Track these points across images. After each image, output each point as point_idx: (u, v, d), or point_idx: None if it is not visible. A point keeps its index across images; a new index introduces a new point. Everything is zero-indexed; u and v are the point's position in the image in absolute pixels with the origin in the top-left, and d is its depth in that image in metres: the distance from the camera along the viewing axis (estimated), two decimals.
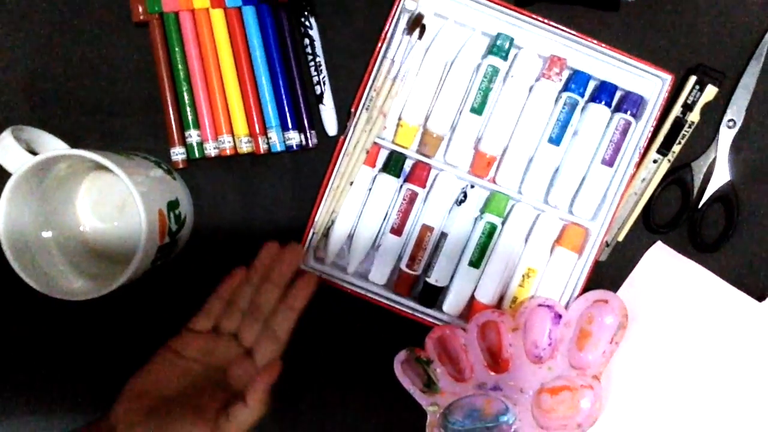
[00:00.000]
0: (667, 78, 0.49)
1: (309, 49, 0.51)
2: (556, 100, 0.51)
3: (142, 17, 0.51)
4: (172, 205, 0.48)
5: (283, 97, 0.51)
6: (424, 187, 0.52)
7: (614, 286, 0.54)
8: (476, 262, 0.52)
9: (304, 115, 0.52)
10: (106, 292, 0.45)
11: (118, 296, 0.51)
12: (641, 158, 0.50)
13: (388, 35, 0.49)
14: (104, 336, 0.54)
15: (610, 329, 0.51)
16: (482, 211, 0.52)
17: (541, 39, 0.50)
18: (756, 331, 0.53)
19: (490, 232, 0.51)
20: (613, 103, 0.51)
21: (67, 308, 0.48)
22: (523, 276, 0.52)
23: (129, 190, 0.44)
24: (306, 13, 0.51)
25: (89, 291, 0.46)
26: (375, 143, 0.51)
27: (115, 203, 0.52)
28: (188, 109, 0.51)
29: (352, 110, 0.50)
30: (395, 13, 0.49)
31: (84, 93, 0.53)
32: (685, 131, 0.51)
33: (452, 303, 0.52)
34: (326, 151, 0.52)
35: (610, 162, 0.50)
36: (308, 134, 0.52)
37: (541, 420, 0.53)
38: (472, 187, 0.52)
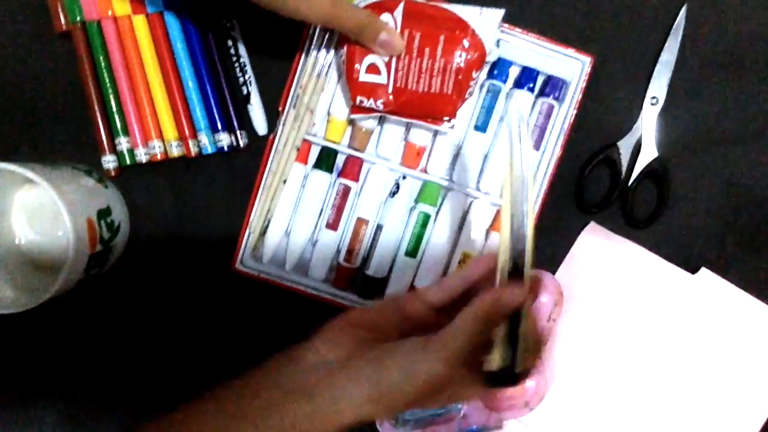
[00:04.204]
0: (587, 60, 0.50)
1: (233, 51, 0.52)
2: (480, 88, 0.51)
3: (64, 27, 0.51)
4: (103, 213, 0.48)
5: (211, 99, 0.51)
6: (357, 180, 0.52)
7: (551, 266, 0.54)
8: (413, 252, 0.52)
9: (233, 116, 0.52)
10: (38, 303, 0.45)
11: (61, 306, 0.51)
12: (566, 140, 0.51)
13: (311, 32, 0.50)
14: (47, 347, 0.55)
15: (547, 307, 0.51)
16: (416, 201, 0.52)
17: None
18: (691, 302, 0.54)
19: (424, 222, 0.52)
20: (536, 88, 0.51)
21: (7, 321, 0.48)
22: (460, 262, 0.52)
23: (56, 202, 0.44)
24: (227, 14, 0.51)
25: (22, 303, 0.46)
26: (305, 140, 0.51)
27: (49, 215, 0.52)
28: (116, 116, 0.51)
29: (280, 109, 0.51)
30: None
31: (10, 105, 0.53)
32: None
33: (393, 293, 0.53)
34: (258, 150, 0.52)
35: (536, 146, 0.51)
36: (238, 135, 0.52)
37: (488, 402, 0.54)
38: (404, 178, 0.52)
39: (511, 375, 0.36)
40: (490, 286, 0.37)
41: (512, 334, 0.36)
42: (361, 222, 0.52)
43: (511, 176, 0.37)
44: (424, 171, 0.52)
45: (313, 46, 0.50)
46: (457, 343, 0.35)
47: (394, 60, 0.47)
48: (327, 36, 0.50)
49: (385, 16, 0.46)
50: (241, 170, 0.53)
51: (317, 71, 0.50)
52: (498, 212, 0.52)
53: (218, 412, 0.36)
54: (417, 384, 0.35)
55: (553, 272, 0.54)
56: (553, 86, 0.51)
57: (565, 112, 0.51)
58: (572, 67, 0.50)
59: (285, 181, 0.52)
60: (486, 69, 0.50)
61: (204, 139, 0.52)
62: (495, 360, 0.36)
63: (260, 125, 0.53)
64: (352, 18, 0.44)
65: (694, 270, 0.54)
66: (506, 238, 0.36)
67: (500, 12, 0.47)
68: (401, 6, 0.46)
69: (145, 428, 0.36)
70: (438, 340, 0.35)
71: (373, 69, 0.47)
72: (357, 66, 0.47)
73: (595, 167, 0.53)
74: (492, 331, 0.36)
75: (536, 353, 0.38)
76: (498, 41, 0.48)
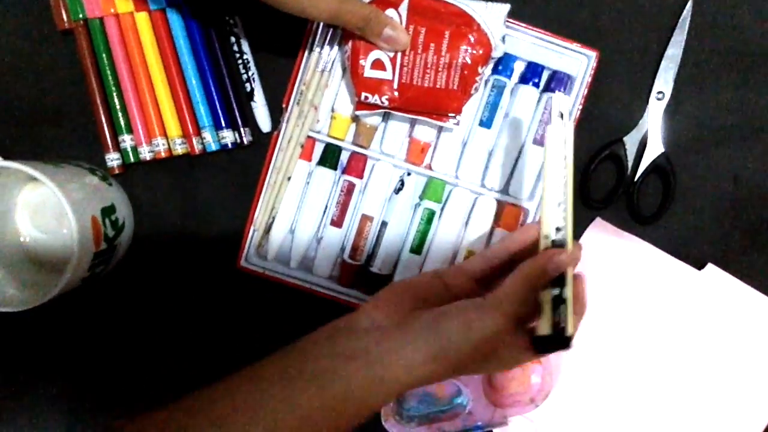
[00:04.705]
0: (592, 55, 0.50)
1: (236, 47, 0.51)
2: (485, 84, 0.51)
3: (66, 25, 0.51)
4: (107, 211, 0.48)
5: (214, 96, 0.51)
6: (361, 177, 0.52)
7: None
8: (417, 249, 0.52)
9: (237, 113, 0.52)
10: (43, 302, 0.45)
11: (66, 304, 0.51)
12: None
13: (314, 28, 0.50)
14: (51, 345, 0.55)
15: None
16: (420, 198, 0.52)
17: None
18: (697, 298, 0.53)
19: (429, 218, 0.52)
20: (542, 83, 0.51)
21: (12, 319, 0.48)
22: (465, 259, 0.52)
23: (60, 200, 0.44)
24: (230, 11, 0.51)
25: (27, 301, 0.46)
26: (309, 137, 0.51)
27: (53, 213, 0.52)
28: (120, 114, 0.51)
29: (284, 105, 0.50)
30: None
31: (13, 103, 0.53)
32: None
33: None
34: (262, 148, 0.52)
35: (541, 141, 0.51)
36: (242, 132, 0.52)
37: (494, 398, 0.54)
38: (409, 174, 0.52)
39: (563, 338, 0.37)
40: (531, 257, 0.39)
41: (558, 299, 0.38)
42: (365, 219, 0.52)
43: (549, 150, 0.39)
44: (429, 167, 0.52)
45: (316, 42, 0.49)
46: (510, 301, 0.37)
47: (399, 55, 0.46)
48: (331, 32, 0.49)
49: (390, 12, 0.45)
50: (245, 167, 0.53)
51: (321, 67, 0.50)
52: (504, 208, 0.52)
53: (281, 376, 0.36)
54: (474, 342, 0.36)
55: None
56: (558, 81, 0.50)
57: (570, 108, 0.50)
58: (578, 62, 0.50)
59: (289, 178, 0.51)
60: (491, 65, 0.50)
61: (208, 136, 0.52)
62: (544, 325, 0.38)
63: (264, 122, 0.53)
64: (357, 13, 0.44)
65: (700, 266, 0.54)
66: (548, 209, 0.39)
67: (506, 7, 0.46)
68: (406, 1, 0.45)
69: (202, 392, 0.36)
70: (493, 299, 0.37)
71: (378, 65, 0.47)
72: (362, 62, 0.47)
73: (600, 163, 0.53)
74: (540, 295, 0.38)
75: (581, 316, 0.39)
76: (504, 37, 0.48)
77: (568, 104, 0.39)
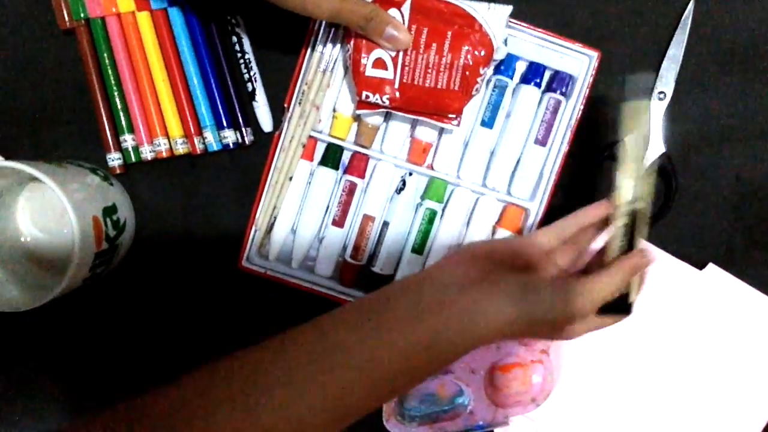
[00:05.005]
0: (594, 55, 0.50)
1: (237, 47, 0.51)
2: (487, 84, 0.51)
3: (68, 24, 0.51)
4: (109, 210, 0.48)
5: (216, 96, 0.51)
6: (363, 177, 0.52)
7: None
8: (419, 249, 0.52)
9: (239, 113, 0.52)
10: (44, 302, 0.45)
11: (67, 304, 0.51)
12: (573, 135, 0.51)
13: (316, 27, 0.50)
14: (53, 346, 0.55)
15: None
16: (422, 198, 0.52)
17: None
18: (698, 298, 0.54)
19: (430, 218, 0.52)
20: (543, 83, 0.51)
21: (14, 319, 0.48)
22: None
23: (61, 200, 0.44)
24: (232, 10, 0.51)
25: (28, 301, 0.46)
26: (311, 137, 0.51)
27: (54, 213, 0.52)
28: (121, 113, 0.51)
29: (286, 105, 0.50)
30: None
31: (14, 103, 0.53)
32: None
33: None
34: (263, 147, 0.52)
35: (543, 141, 0.51)
36: (244, 132, 0.52)
37: (495, 398, 0.54)
38: (411, 174, 0.52)
39: (626, 304, 0.41)
40: (595, 231, 0.44)
41: None
42: (367, 219, 0.52)
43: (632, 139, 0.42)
44: (431, 167, 0.52)
45: (318, 42, 0.49)
46: (605, 291, 0.40)
47: (401, 55, 0.46)
48: (333, 31, 0.49)
49: (393, 11, 0.45)
50: (247, 167, 0.53)
51: (323, 67, 0.50)
52: (505, 208, 0.52)
53: (362, 321, 0.37)
54: (558, 317, 0.38)
55: None
56: (560, 81, 0.50)
57: (572, 108, 0.50)
58: (579, 62, 0.50)
59: (291, 178, 0.51)
60: (493, 66, 0.50)
61: (209, 136, 0.52)
62: None
63: (266, 122, 0.53)
64: (358, 12, 0.44)
65: (701, 266, 0.54)
66: (626, 193, 0.42)
67: (508, 8, 0.46)
68: (409, 1, 0.45)
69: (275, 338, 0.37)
70: (592, 285, 0.39)
71: (379, 64, 0.47)
72: (363, 60, 0.46)
73: (602, 163, 0.53)
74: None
75: (640, 288, 0.42)
76: (506, 40, 0.48)
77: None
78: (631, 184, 0.42)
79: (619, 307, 0.41)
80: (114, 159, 0.52)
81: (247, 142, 0.52)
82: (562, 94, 0.50)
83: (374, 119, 0.51)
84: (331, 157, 0.52)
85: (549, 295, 0.38)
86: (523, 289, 0.38)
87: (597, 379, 0.55)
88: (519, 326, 0.37)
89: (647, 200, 0.42)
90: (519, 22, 0.49)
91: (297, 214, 0.53)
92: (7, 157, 0.52)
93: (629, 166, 0.42)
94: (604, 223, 0.43)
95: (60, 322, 0.54)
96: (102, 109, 0.51)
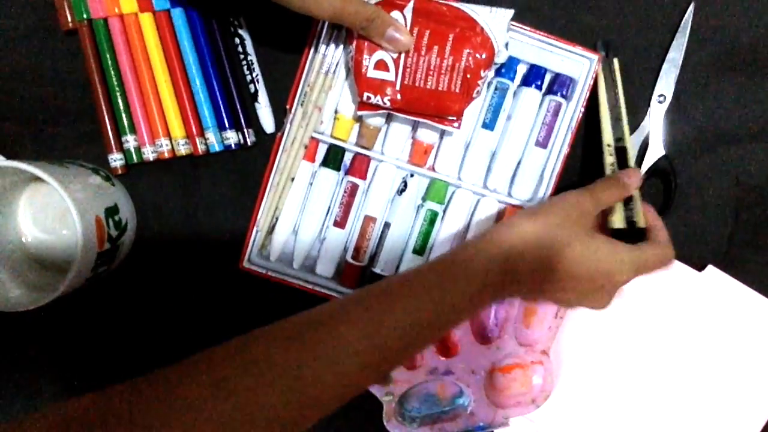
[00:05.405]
0: (594, 57, 0.50)
1: (240, 48, 0.51)
2: (488, 86, 0.51)
3: (71, 25, 0.51)
4: (111, 211, 0.48)
5: (218, 97, 0.51)
6: (364, 178, 0.52)
7: None
8: (420, 250, 0.52)
9: (241, 114, 0.52)
10: (46, 302, 0.45)
11: (69, 305, 0.51)
12: (573, 137, 0.51)
13: (318, 29, 0.50)
14: (55, 346, 0.55)
15: (554, 304, 0.52)
16: (423, 199, 0.53)
17: None
18: (697, 300, 0.54)
19: (432, 220, 0.52)
20: (544, 86, 0.51)
21: (16, 319, 0.48)
22: None
23: (64, 200, 0.44)
24: (234, 11, 0.51)
25: (30, 301, 0.46)
26: (313, 138, 0.51)
27: (55, 213, 0.52)
28: (123, 114, 0.51)
29: (288, 107, 0.51)
30: None
31: (17, 103, 0.53)
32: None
33: None
34: (265, 148, 0.52)
35: (543, 143, 0.51)
36: (246, 133, 0.52)
37: (495, 399, 0.54)
38: (412, 176, 0.52)
39: (636, 229, 0.47)
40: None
41: (627, 203, 0.47)
42: (368, 220, 0.52)
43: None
44: (432, 169, 0.52)
45: (321, 43, 0.50)
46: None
47: (402, 57, 0.46)
48: (335, 33, 0.49)
49: (395, 14, 0.46)
50: (249, 168, 0.53)
51: (325, 69, 0.50)
52: (506, 210, 0.52)
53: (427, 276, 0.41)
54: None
55: None
56: (560, 84, 0.50)
57: (572, 110, 0.51)
58: (580, 65, 0.50)
59: (293, 179, 0.52)
60: (494, 69, 0.50)
61: (211, 137, 0.52)
62: (618, 219, 0.47)
63: (268, 123, 0.53)
64: (360, 13, 0.44)
65: (700, 267, 0.54)
66: (607, 136, 0.50)
67: (510, 12, 0.47)
68: (411, 3, 0.46)
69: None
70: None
71: (381, 65, 0.47)
72: (365, 62, 0.47)
73: (602, 165, 0.53)
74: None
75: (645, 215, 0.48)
76: (507, 44, 0.48)
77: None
78: (609, 126, 0.49)
79: (631, 232, 0.47)
80: (116, 159, 0.52)
81: (249, 143, 0.52)
82: (562, 96, 0.51)
83: (376, 121, 0.51)
84: (333, 158, 0.52)
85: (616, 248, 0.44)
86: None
87: (597, 380, 0.55)
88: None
89: (628, 139, 0.49)
90: (520, 25, 0.49)
91: (298, 215, 0.53)
92: (9, 157, 0.52)
93: (605, 113, 0.49)
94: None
95: (61, 322, 0.54)
96: (104, 110, 0.51)
